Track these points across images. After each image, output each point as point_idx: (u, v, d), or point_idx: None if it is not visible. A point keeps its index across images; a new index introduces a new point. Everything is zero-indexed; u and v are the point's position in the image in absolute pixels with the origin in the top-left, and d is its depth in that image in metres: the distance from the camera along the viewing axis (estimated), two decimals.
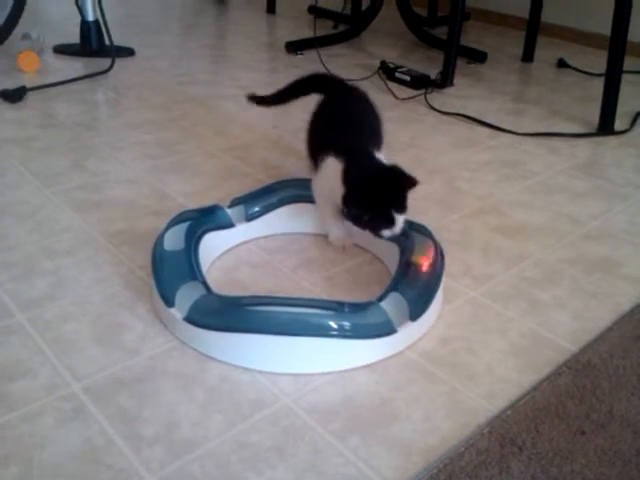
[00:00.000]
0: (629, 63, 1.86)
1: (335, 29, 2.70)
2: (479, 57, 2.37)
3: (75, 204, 1.36)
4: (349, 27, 2.64)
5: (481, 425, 0.86)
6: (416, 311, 1.00)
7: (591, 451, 0.82)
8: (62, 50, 2.32)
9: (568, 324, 1.06)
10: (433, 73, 2.10)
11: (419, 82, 2.07)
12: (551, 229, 1.33)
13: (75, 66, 2.20)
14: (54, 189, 1.42)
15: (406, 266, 1.07)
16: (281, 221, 1.26)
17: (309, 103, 1.28)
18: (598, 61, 2.25)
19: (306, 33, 2.53)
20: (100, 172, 1.50)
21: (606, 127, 1.79)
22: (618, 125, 1.80)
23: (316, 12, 2.70)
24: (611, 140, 1.76)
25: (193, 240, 1.12)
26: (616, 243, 1.29)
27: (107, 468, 0.79)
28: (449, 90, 2.08)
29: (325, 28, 2.67)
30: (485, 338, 1.02)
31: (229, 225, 1.21)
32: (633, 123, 1.84)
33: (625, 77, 1.77)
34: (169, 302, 1.00)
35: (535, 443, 0.83)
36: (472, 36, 2.67)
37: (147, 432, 0.84)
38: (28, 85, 1.93)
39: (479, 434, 0.84)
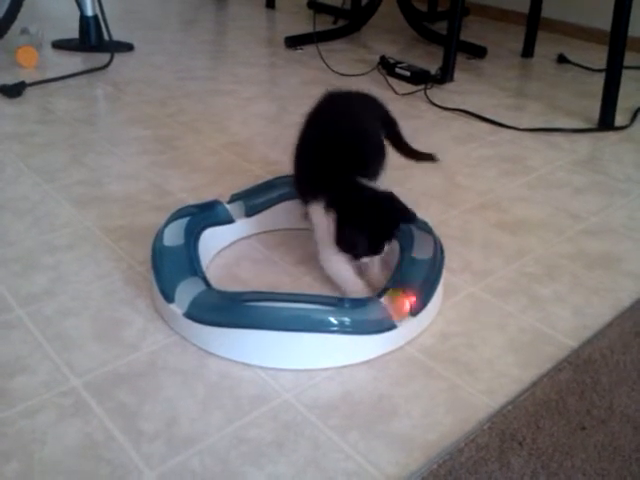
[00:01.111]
0: (629, 58, 1.85)
1: (335, 24, 2.69)
2: (479, 52, 2.37)
3: (74, 199, 1.36)
4: (349, 22, 2.64)
5: (481, 421, 0.86)
6: (416, 307, 0.99)
7: (591, 446, 0.82)
8: (61, 45, 2.32)
9: (568, 320, 1.06)
10: (433, 68, 2.10)
11: (419, 77, 2.06)
12: (551, 224, 1.33)
13: (74, 61, 2.20)
14: (53, 185, 1.42)
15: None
16: (281, 216, 1.26)
17: (306, 101, 1.27)
18: (598, 56, 2.25)
19: (306, 28, 2.52)
20: (99, 167, 1.50)
21: (606, 122, 1.78)
22: (618, 120, 1.79)
23: (316, 7, 2.70)
24: (611, 135, 1.75)
25: (193, 235, 1.12)
26: (616, 238, 1.28)
27: (107, 463, 0.79)
28: (449, 85, 2.08)
29: (325, 23, 2.66)
30: (485, 334, 1.02)
31: (229, 220, 1.21)
32: (633, 119, 1.84)
33: (625, 72, 1.77)
34: (169, 298, 1.00)
35: (535, 439, 0.83)
36: (472, 31, 2.66)
37: (147, 427, 0.84)
38: (27, 80, 1.93)
39: (479, 430, 0.84)
